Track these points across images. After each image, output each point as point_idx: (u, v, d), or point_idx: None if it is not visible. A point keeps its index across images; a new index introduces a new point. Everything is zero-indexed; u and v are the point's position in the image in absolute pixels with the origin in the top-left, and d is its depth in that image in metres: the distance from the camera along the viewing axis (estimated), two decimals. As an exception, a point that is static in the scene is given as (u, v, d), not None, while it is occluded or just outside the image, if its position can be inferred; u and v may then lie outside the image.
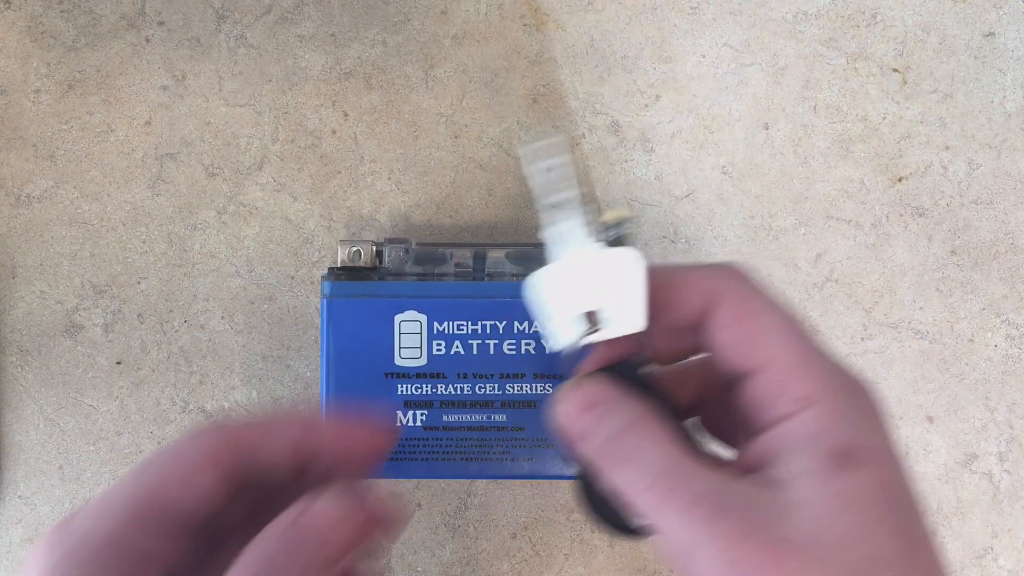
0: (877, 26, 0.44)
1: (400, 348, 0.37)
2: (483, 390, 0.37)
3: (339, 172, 0.43)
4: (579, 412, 0.23)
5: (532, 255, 0.40)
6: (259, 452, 0.22)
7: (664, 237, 0.44)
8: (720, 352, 0.22)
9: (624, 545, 0.43)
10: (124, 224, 0.43)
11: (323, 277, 0.37)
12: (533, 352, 0.37)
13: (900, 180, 0.44)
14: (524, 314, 0.37)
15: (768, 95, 0.44)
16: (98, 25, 0.43)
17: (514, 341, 0.37)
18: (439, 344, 0.37)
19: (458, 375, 0.37)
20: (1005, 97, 0.44)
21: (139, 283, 0.43)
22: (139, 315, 0.43)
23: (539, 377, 0.37)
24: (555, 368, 0.37)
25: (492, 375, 0.37)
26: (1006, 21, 0.44)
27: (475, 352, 0.37)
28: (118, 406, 0.43)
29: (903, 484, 0.19)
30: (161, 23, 0.43)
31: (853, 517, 0.18)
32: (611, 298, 0.23)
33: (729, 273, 0.22)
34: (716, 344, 0.22)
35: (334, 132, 0.44)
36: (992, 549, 0.43)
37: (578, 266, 0.23)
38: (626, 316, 0.23)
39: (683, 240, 0.44)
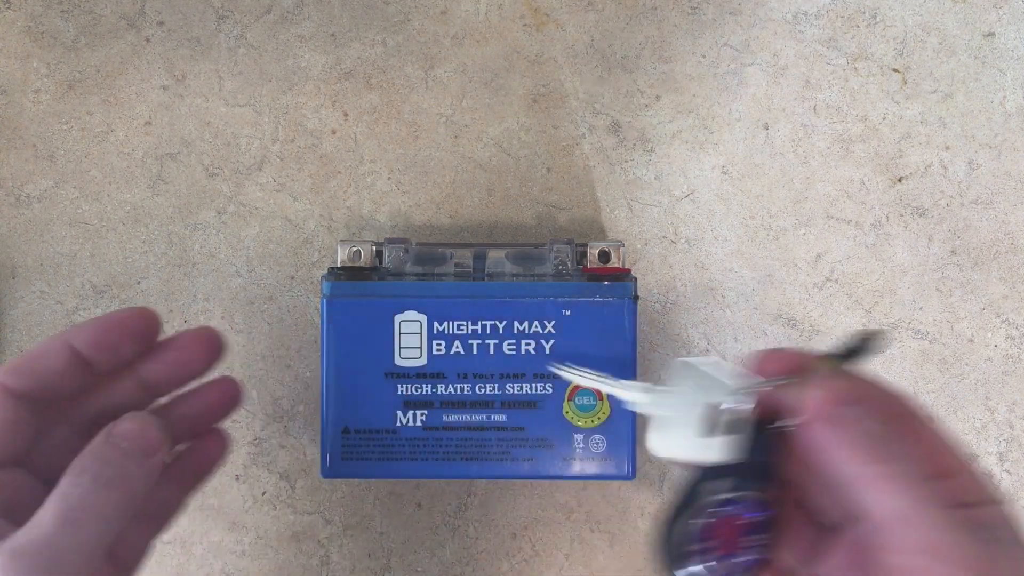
0: (877, 26, 0.44)
1: (400, 348, 0.37)
2: (483, 390, 0.37)
3: (339, 172, 0.43)
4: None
5: (532, 255, 0.40)
6: (36, 366, 0.28)
7: (664, 237, 0.44)
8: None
9: (624, 545, 0.43)
10: (124, 224, 0.43)
11: (323, 277, 0.37)
12: (533, 352, 0.37)
13: (900, 180, 0.44)
14: (524, 314, 0.37)
15: (768, 95, 0.44)
16: (98, 25, 0.43)
17: (514, 341, 0.37)
18: (439, 344, 0.37)
19: (458, 375, 0.37)
20: (1005, 97, 0.44)
21: (139, 283, 0.43)
22: (139, 315, 0.43)
23: (539, 377, 0.37)
24: (552, 369, 0.37)
25: (492, 375, 0.37)
26: (1006, 21, 0.44)
27: (475, 352, 0.37)
28: (118, 406, 0.43)
29: None
30: (161, 23, 0.43)
31: None
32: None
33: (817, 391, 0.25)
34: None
35: (334, 132, 0.44)
36: (992, 549, 0.43)
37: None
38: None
39: (683, 240, 0.44)
